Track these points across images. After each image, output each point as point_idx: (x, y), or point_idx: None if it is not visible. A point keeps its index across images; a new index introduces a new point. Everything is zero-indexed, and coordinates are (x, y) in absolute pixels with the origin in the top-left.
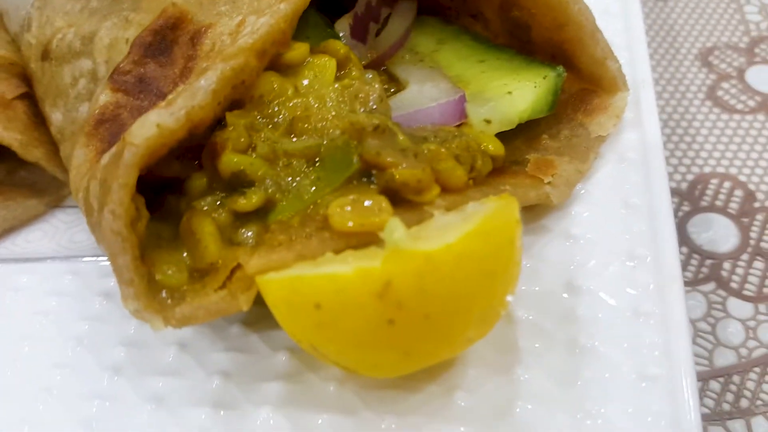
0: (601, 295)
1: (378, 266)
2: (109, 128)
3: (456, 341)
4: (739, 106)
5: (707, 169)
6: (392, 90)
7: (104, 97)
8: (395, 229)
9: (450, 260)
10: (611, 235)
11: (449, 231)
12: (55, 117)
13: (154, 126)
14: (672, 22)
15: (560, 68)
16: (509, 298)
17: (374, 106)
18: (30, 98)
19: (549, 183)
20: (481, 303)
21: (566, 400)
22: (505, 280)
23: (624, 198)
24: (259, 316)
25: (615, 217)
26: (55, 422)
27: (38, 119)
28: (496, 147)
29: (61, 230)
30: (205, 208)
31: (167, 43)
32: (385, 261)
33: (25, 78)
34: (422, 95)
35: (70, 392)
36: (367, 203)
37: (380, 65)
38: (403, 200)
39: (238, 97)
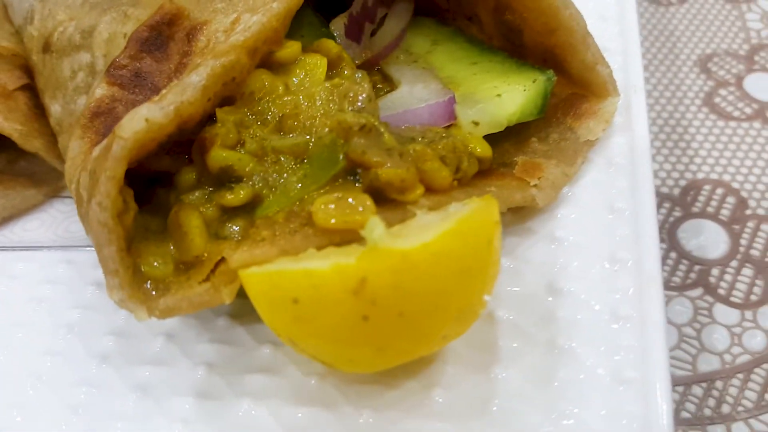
0: (582, 297)
1: (353, 263)
2: (104, 121)
3: (431, 339)
4: (736, 113)
5: (700, 175)
6: (386, 90)
7: (100, 90)
8: (375, 227)
9: (426, 259)
10: (595, 239)
11: (428, 230)
12: (54, 109)
13: (143, 120)
14: (672, 28)
15: (550, 72)
16: (487, 297)
17: (362, 106)
18: (31, 90)
19: (535, 186)
20: (457, 302)
21: (542, 399)
22: (483, 279)
23: (610, 202)
24: (246, 309)
25: (600, 220)
26: (43, 407)
27: (39, 110)
28: (483, 149)
29: (58, 220)
30: (193, 201)
31: (163, 39)
32: (361, 258)
33: (27, 69)
34: (413, 96)
35: (60, 379)
36: (350, 201)
37: (375, 65)
38: (387, 199)
39: (229, 94)
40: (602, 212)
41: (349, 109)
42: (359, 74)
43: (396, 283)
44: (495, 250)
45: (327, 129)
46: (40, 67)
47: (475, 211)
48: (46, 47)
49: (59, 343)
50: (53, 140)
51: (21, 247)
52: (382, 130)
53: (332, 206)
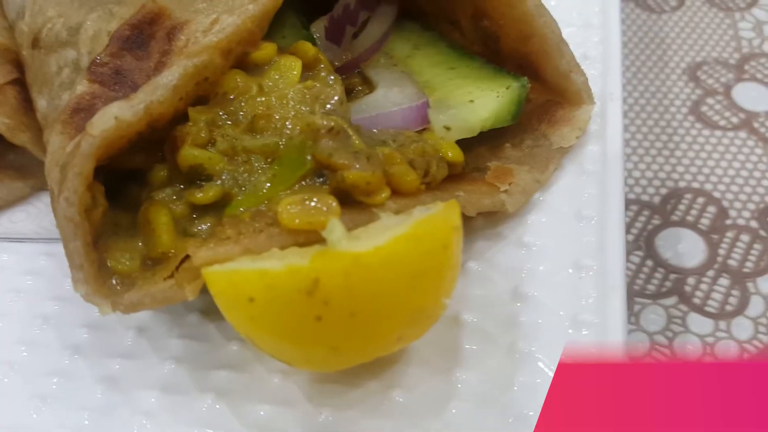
0: (546, 302)
1: (307, 264)
2: (83, 117)
3: (384, 340)
4: (722, 123)
5: (682, 184)
6: (366, 92)
7: (81, 87)
8: (333, 229)
9: (376, 262)
10: (562, 245)
11: (384, 233)
12: (41, 104)
13: (112, 118)
14: (664, 35)
15: (524, 79)
16: (447, 300)
17: (332, 108)
18: (21, 84)
19: (505, 191)
20: (410, 305)
21: (500, 402)
22: (438, 283)
23: (578, 209)
24: (217, 306)
25: (568, 227)
26: (13, 395)
27: (28, 104)
28: (454, 153)
29: (44, 212)
30: (163, 199)
31: (144, 38)
32: (314, 259)
33: (18, 64)
34: (387, 99)
35: (32, 368)
36: (315, 202)
37: (355, 67)
38: (354, 201)
39: (202, 93)
40: (571, 219)
41: (320, 111)
42: (332, 77)
43: (347, 284)
44: (453, 255)
45: (298, 130)
46: (29, 62)
47: (432, 216)
48: (35, 43)
49: (35, 334)
50: (41, 134)
51: (6, 239)
52: (351, 132)
53: (297, 207)
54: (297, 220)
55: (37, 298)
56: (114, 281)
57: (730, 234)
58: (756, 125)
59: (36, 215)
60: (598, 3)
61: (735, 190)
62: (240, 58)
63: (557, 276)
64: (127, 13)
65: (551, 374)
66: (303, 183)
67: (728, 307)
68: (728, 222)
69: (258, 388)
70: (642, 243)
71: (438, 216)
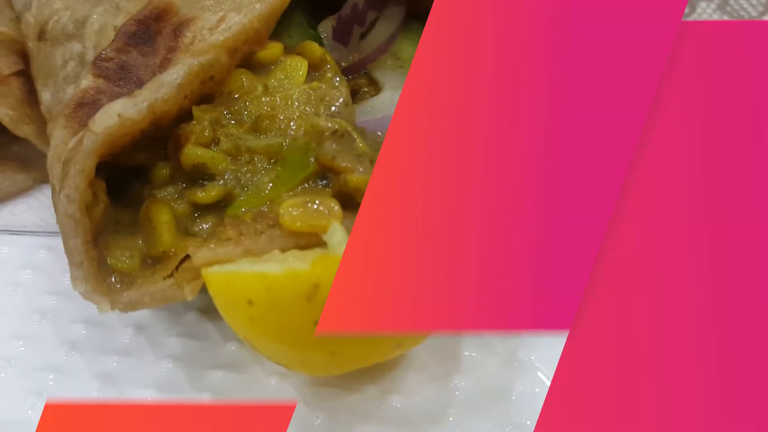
0: None
1: (307, 269)
2: (87, 112)
3: (383, 347)
4: None
5: None
6: (372, 93)
7: (86, 81)
8: (334, 233)
9: None
10: None
11: None
12: (45, 96)
13: (115, 116)
14: None
15: None
16: None
17: (337, 111)
18: (26, 75)
19: None
20: None
21: (498, 411)
22: None
23: None
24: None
25: None
26: (9, 391)
27: (32, 96)
28: None
29: (45, 205)
30: (165, 197)
31: (151, 33)
32: (314, 264)
33: (24, 55)
34: (393, 102)
35: (29, 363)
36: (317, 205)
37: (362, 68)
38: (357, 205)
39: (207, 92)
40: None
41: (325, 113)
42: (338, 78)
43: None
44: None
45: (302, 132)
46: (34, 53)
47: None
48: (41, 35)
49: (32, 328)
50: (44, 126)
51: (7, 231)
52: (355, 135)
53: (299, 209)
54: (298, 223)
55: (36, 292)
56: (113, 279)
57: None
58: None
59: (38, 208)
60: None
61: None
62: (246, 57)
63: None
64: (134, 8)
65: (549, 384)
66: (306, 185)
67: None
68: None
69: (255, 389)
70: None
71: None
